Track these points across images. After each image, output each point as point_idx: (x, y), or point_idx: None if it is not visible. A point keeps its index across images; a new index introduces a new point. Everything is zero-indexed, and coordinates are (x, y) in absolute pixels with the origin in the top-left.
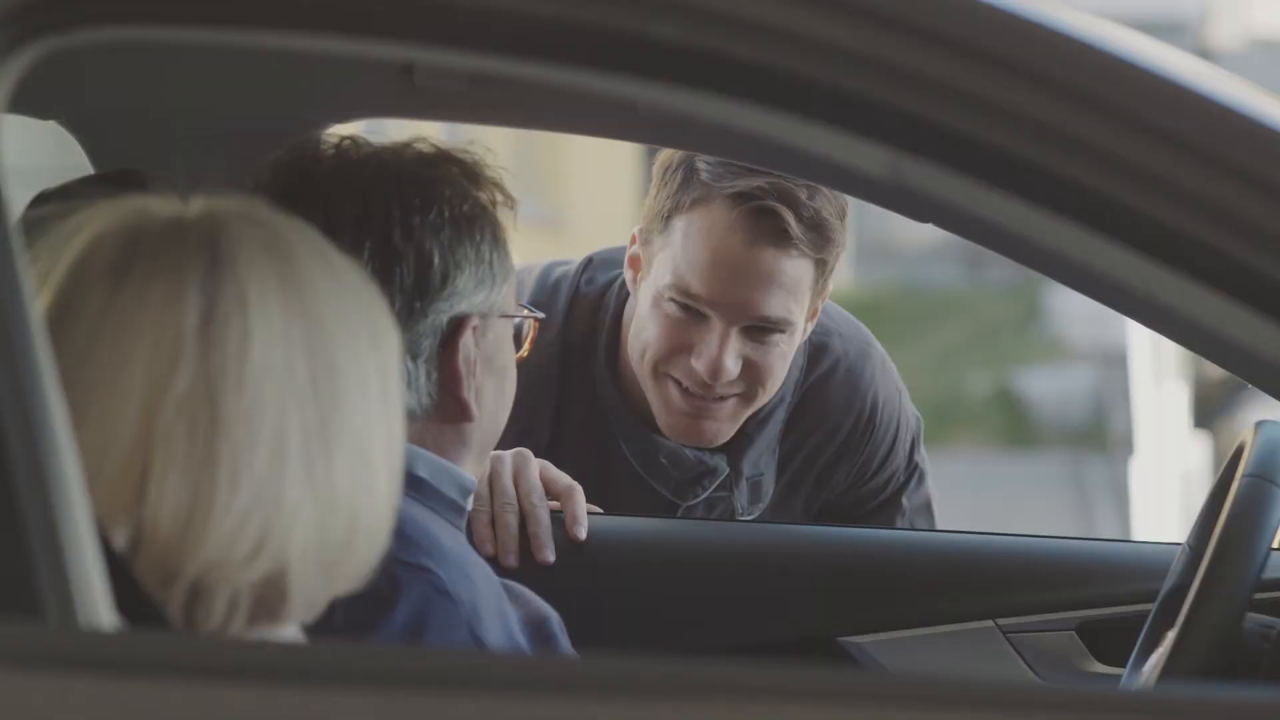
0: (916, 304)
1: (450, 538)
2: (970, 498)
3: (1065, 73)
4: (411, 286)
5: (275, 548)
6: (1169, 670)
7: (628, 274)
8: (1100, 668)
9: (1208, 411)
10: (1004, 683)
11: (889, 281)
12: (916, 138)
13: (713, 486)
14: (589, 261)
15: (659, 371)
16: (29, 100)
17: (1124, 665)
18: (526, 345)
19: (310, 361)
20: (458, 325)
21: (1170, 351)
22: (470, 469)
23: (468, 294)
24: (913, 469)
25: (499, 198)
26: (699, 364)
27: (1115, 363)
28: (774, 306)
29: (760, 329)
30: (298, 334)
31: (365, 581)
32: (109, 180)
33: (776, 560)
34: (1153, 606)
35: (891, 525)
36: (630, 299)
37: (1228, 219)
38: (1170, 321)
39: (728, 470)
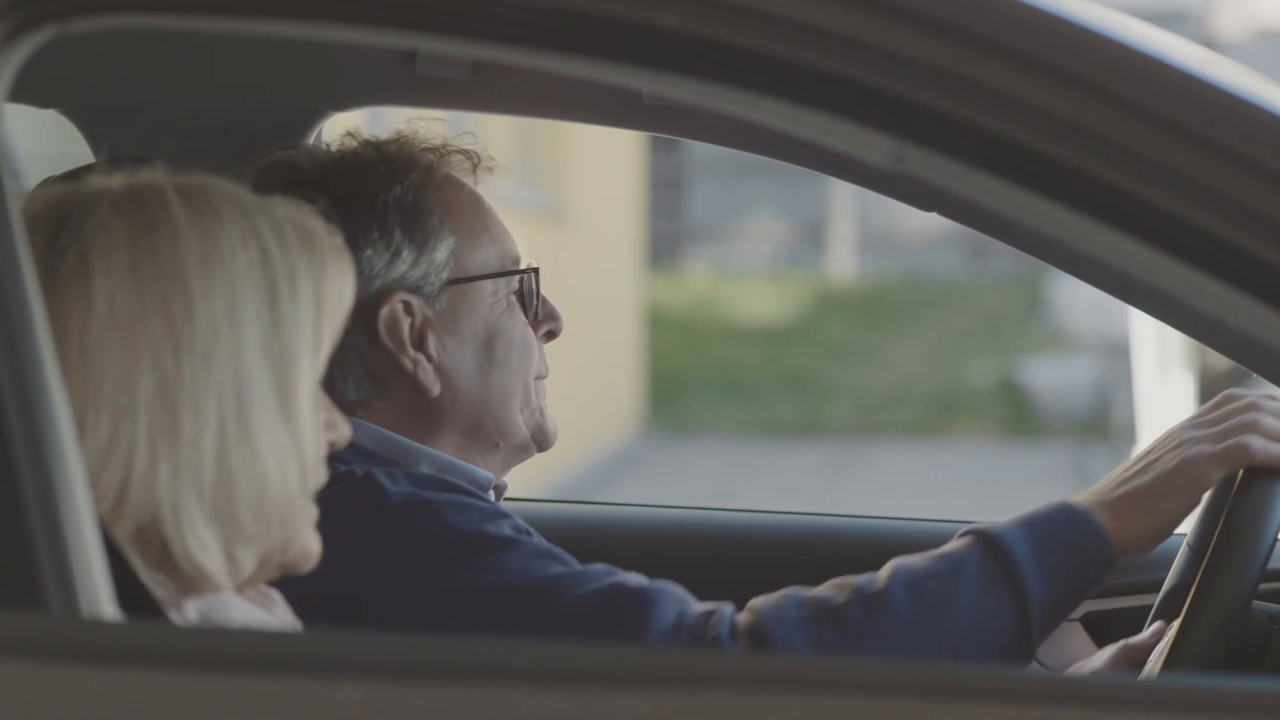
0: (919, 294)
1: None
2: (972, 488)
3: (1070, 60)
4: None
5: (137, 499)
6: (1173, 660)
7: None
8: None
9: None
10: (1008, 672)
11: (891, 272)
12: (920, 126)
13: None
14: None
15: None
16: (31, 89)
17: None
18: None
19: (167, 319)
20: (375, 303)
21: (1174, 341)
22: (454, 448)
23: (381, 273)
24: None
25: (448, 162)
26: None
27: (1118, 353)
28: None
29: None
30: (152, 293)
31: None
32: (110, 169)
33: (781, 549)
34: (1156, 597)
35: None
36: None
37: (1231, 206)
38: (1173, 309)
39: None
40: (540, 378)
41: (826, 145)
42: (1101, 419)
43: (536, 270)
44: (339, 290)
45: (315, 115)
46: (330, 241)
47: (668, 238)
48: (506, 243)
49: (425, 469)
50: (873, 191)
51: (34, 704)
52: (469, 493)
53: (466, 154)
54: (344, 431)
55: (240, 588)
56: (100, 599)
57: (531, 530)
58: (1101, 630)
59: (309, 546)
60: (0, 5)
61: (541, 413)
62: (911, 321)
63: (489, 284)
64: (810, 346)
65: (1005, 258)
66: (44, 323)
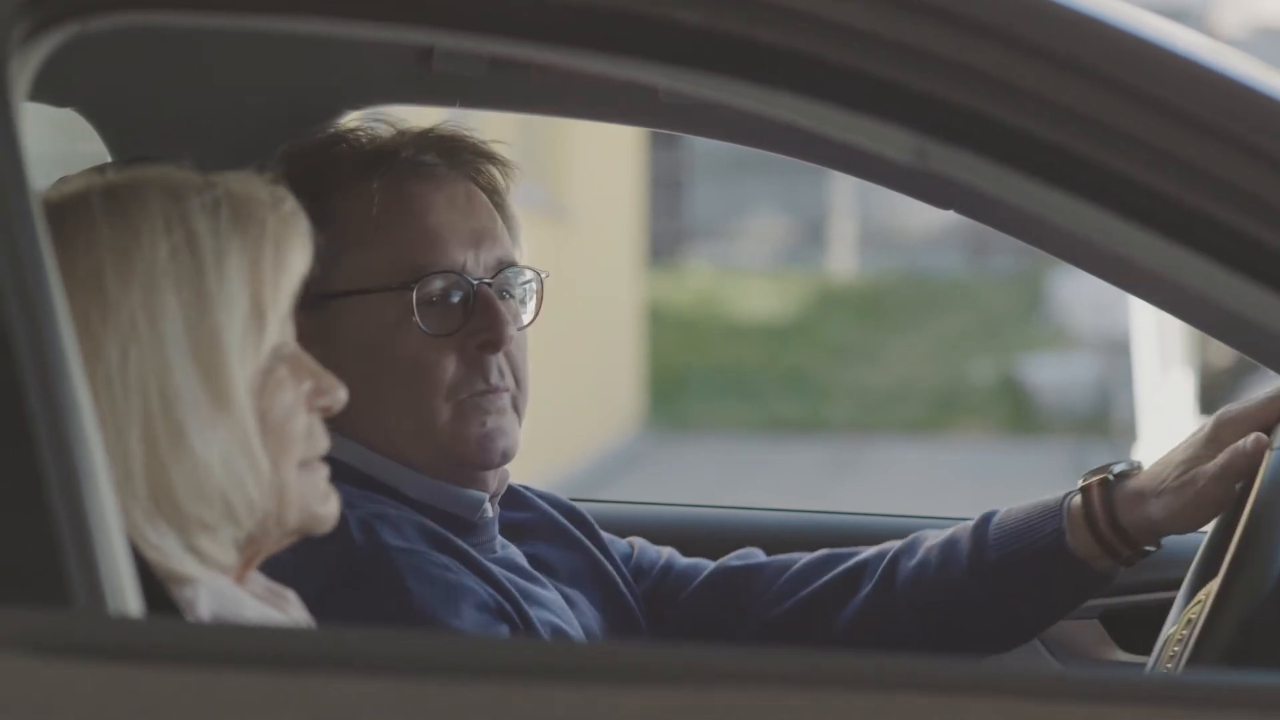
0: (920, 292)
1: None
2: (973, 486)
3: (1093, 55)
4: None
5: None
6: (1196, 656)
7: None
8: (1123, 656)
9: (1212, 399)
10: (1026, 670)
11: (892, 270)
12: (942, 121)
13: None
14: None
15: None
16: (47, 87)
17: (1148, 653)
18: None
19: (84, 325)
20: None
21: (1175, 339)
22: (437, 464)
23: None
24: None
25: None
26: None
27: (1119, 350)
28: None
29: None
30: (75, 300)
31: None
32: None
33: (782, 547)
34: (1178, 594)
35: None
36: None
37: (1254, 201)
38: (1190, 305)
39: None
40: (485, 392)
41: (847, 141)
42: (1102, 417)
43: (462, 281)
44: (281, 257)
45: (331, 113)
46: (275, 210)
47: (668, 236)
48: (404, 253)
49: (417, 494)
50: (891, 189)
51: (61, 700)
52: (442, 541)
53: (416, 150)
54: (338, 395)
55: (239, 575)
56: (126, 596)
57: (501, 600)
58: (1119, 627)
59: (316, 512)
60: (21, 2)
61: (470, 429)
62: (912, 320)
63: (374, 297)
64: (811, 345)
65: (1006, 256)
66: (67, 321)
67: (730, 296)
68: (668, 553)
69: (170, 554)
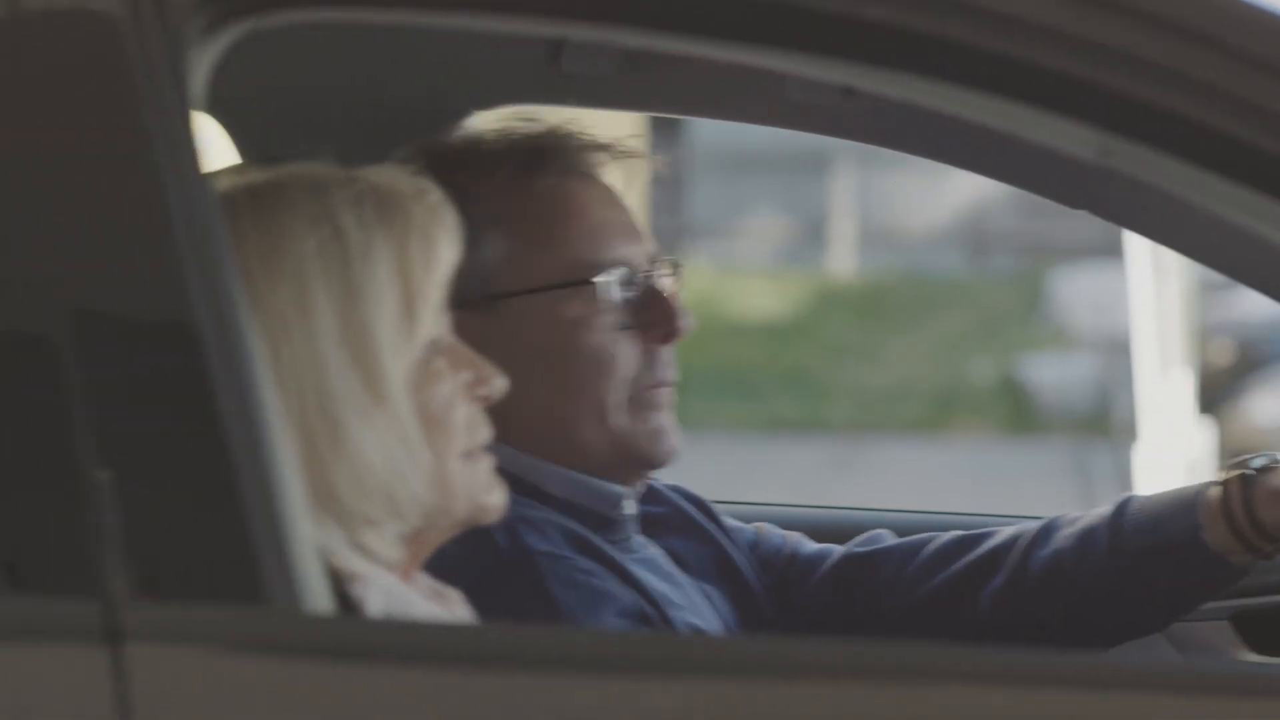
0: (920, 292)
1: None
2: (973, 486)
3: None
4: None
5: None
6: None
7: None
8: (1254, 657)
9: (1212, 399)
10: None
11: (892, 269)
12: (1127, 119)
13: None
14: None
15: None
16: None
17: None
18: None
19: (252, 311)
20: (468, 307)
21: (1175, 339)
22: (588, 462)
23: (475, 274)
24: None
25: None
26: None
27: (1119, 350)
28: None
29: None
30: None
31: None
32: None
33: None
34: None
35: None
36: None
37: None
38: None
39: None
40: (656, 386)
41: (1031, 140)
42: (1102, 417)
43: (634, 275)
44: (428, 249)
45: (458, 114)
46: (420, 202)
47: (668, 234)
48: (580, 249)
49: (559, 490)
50: (1058, 202)
51: (257, 697)
52: (585, 545)
53: (611, 152)
54: (497, 384)
55: (406, 571)
56: (317, 594)
57: (643, 604)
58: (1250, 629)
59: (483, 502)
60: None
61: (645, 425)
62: (912, 319)
63: (553, 294)
64: (811, 344)
65: (1006, 256)
66: (250, 320)
67: (730, 295)
68: (794, 538)
69: (336, 551)
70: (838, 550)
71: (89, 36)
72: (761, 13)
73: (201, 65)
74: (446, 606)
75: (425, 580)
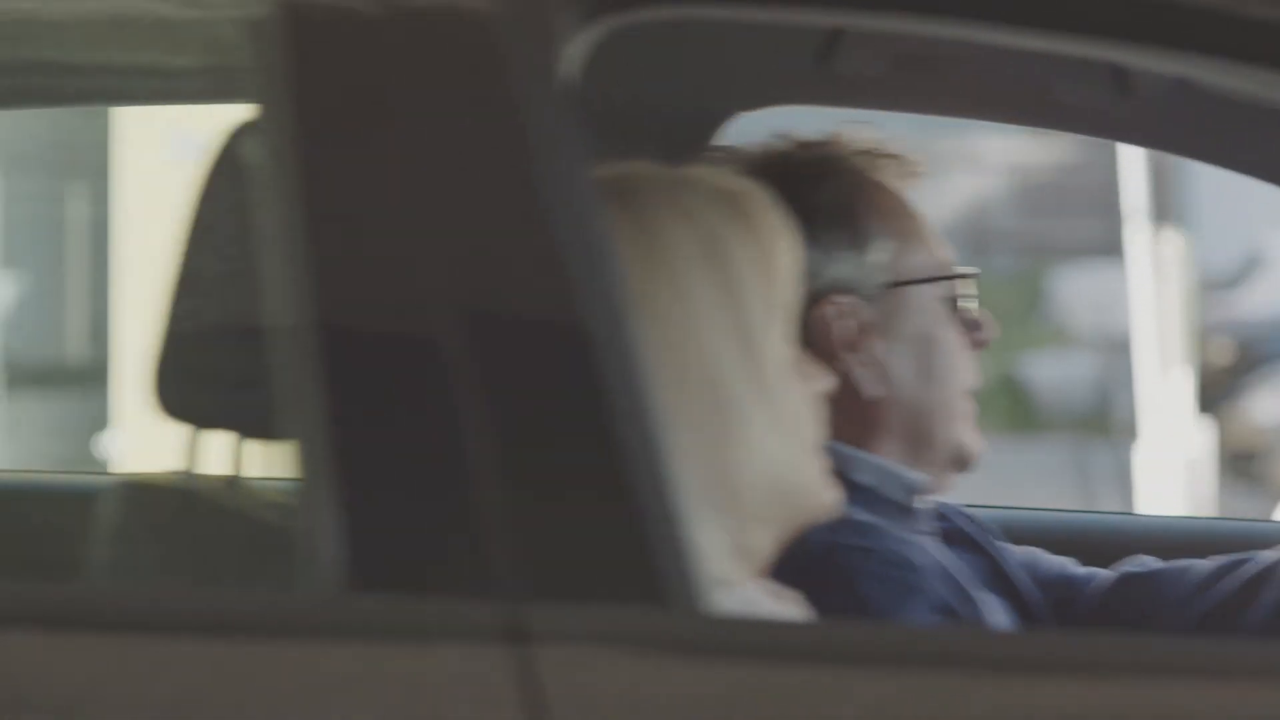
0: None
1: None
2: (973, 485)
3: None
4: None
5: None
6: None
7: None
8: None
9: (1212, 398)
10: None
11: None
12: None
13: None
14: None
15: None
16: None
17: None
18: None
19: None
20: (808, 305)
21: (1175, 338)
22: (900, 456)
23: (813, 276)
24: None
25: (877, 166)
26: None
27: (1119, 349)
28: None
29: None
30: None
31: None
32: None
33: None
34: None
35: None
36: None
37: None
38: None
39: None
40: (970, 389)
41: None
42: (1102, 415)
43: (970, 277)
44: (776, 246)
45: (722, 116)
46: (758, 200)
47: None
48: (937, 249)
49: (864, 477)
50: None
51: (657, 697)
52: (894, 539)
53: (896, 159)
54: (824, 381)
55: (760, 574)
56: (710, 595)
57: (950, 600)
58: None
59: (824, 499)
60: None
61: (966, 427)
62: None
63: (925, 289)
64: None
65: (1006, 256)
66: (637, 317)
67: None
68: (1067, 561)
69: (712, 556)
70: (1108, 572)
71: (462, 33)
72: (1145, 12)
73: (579, 57)
74: (791, 609)
75: (766, 584)
